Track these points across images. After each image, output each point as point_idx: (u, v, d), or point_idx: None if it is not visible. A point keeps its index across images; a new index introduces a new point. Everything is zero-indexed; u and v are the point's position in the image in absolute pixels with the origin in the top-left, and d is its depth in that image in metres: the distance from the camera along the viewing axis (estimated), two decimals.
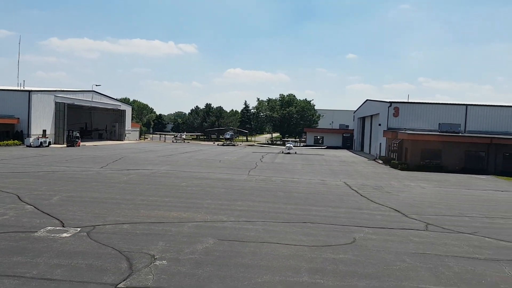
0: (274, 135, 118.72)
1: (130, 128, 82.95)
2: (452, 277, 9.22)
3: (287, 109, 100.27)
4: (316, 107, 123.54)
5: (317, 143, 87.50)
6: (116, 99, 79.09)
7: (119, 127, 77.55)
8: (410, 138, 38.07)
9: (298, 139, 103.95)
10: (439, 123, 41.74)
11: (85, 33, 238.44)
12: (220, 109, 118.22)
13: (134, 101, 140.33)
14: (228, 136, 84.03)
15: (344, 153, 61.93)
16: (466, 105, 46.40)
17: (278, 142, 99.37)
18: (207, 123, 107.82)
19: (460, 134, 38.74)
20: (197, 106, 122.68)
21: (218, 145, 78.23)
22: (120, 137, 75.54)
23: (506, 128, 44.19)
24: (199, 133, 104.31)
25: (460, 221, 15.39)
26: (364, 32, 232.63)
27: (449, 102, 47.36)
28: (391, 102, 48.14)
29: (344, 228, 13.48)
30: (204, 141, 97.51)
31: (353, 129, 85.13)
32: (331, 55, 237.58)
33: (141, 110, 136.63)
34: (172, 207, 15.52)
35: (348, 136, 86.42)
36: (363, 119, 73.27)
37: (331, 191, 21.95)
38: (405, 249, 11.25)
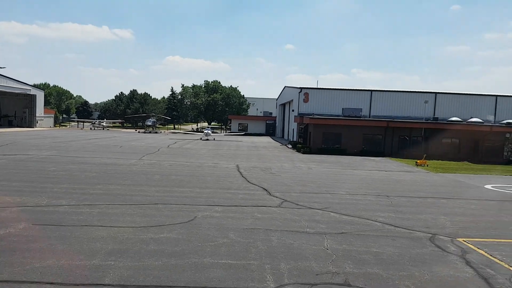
0: (205, 124, 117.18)
1: (42, 115, 77.28)
2: (262, 251, 9.00)
3: (212, 96, 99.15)
4: (247, 95, 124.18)
5: (242, 130, 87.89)
6: (27, 84, 72.93)
7: (29, 113, 71.82)
8: (313, 122, 38.92)
9: (224, 127, 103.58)
10: (342, 108, 43.15)
11: (12, 15, 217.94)
12: (145, 95, 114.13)
13: (54, 86, 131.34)
14: (149, 123, 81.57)
15: (263, 139, 62.37)
16: (371, 90, 48.44)
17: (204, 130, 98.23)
18: (130, 110, 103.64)
19: (360, 118, 40.26)
20: (121, 93, 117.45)
21: (139, 132, 75.50)
22: (31, 124, 70.01)
23: (407, 112, 46.74)
24: (122, 120, 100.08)
25: (320, 198, 15.58)
26: (301, 23, 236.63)
27: (354, 88, 49.18)
28: (301, 88, 48.95)
29: (193, 207, 12.99)
30: (127, 128, 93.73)
31: (275, 116, 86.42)
32: (270, 46, 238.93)
33: (59, 96, 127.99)
34: (15, 191, 14.10)
35: (271, 123, 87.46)
36: (283, 105, 74.29)
37: (215, 173, 21.53)
38: (239, 225, 10.97)
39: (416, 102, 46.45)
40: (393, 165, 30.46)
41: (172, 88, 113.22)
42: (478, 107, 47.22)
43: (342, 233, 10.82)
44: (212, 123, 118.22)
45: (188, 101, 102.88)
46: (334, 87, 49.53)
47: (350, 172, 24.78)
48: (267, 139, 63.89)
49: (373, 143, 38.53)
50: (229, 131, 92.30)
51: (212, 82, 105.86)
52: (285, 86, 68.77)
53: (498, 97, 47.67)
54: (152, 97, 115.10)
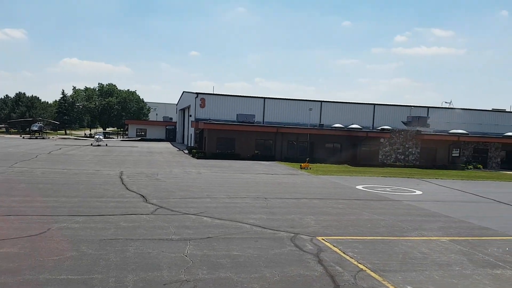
0: (101, 129, 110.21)
1: None
2: (112, 264, 8.42)
3: (107, 100, 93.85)
4: (152, 101, 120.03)
5: (141, 136, 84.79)
6: None
7: None
8: (207, 128, 38.85)
9: (122, 132, 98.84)
10: (237, 114, 43.82)
11: None
12: (32, 98, 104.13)
13: None
14: (35, 128, 75.04)
15: (160, 145, 60.66)
16: (264, 98, 49.99)
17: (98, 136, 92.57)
18: (15, 114, 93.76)
19: (253, 124, 41.23)
20: (6, 95, 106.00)
21: (23, 138, 68.58)
22: None
23: (296, 119, 49.03)
24: (6, 125, 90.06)
25: (198, 203, 15.34)
26: (206, 32, 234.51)
27: (248, 95, 50.32)
28: (197, 93, 48.64)
29: (51, 218, 11.81)
30: (12, 134, 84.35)
31: (176, 122, 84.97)
32: (175, 51, 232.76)
33: None
34: None
35: (172, 128, 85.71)
36: (182, 111, 73.28)
37: (92, 180, 20.11)
38: (96, 236, 10.16)
39: (304, 109, 48.99)
40: (280, 168, 31.61)
41: (63, 91, 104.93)
42: (359, 114, 51.40)
43: (208, 237, 10.67)
44: (108, 129, 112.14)
45: (80, 105, 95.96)
46: (230, 94, 50.10)
47: (238, 176, 25.04)
48: (165, 145, 62.36)
49: (265, 148, 39.66)
50: (126, 136, 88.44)
51: (107, 85, 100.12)
52: (183, 91, 67.85)
53: (376, 105, 52.45)
54: (44, 100, 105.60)
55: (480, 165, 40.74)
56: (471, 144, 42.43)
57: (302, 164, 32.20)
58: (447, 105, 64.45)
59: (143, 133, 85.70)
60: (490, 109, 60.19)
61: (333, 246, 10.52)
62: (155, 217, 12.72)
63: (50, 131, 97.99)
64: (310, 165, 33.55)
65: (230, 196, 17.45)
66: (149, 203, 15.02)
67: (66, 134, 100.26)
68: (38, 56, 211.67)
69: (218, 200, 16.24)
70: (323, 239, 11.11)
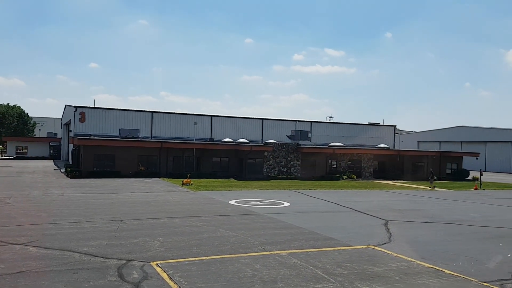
0: None
1: None
2: None
3: None
4: (47, 116, 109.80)
5: (21, 153, 76.74)
6: None
7: None
8: (83, 144, 36.19)
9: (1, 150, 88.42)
10: (119, 129, 41.68)
11: None
12: None
13: None
14: None
15: (39, 163, 55.41)
16: (152, 112, 48.46)
17: None
18: None
19: (136, 139, 39.50)
20: None
21: None
22: None
23: (186, 134, 48.31)
24: None
25: (35, 230, 13.60)
26: (106, 43, 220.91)
27: (133, 109, 48.37)
28: (76, 107, 45.34)
29: None
30: None
31: (61, 138, 78.55)
32: (72, 63, 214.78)
33: None
34: None
35: (56, 145, 78.97)
36: (66, 125, 67.97)
37: None
38: None
39: (193, 124, 48.50)
40: (160, 185, 30.45)
41: None
42: (249, 129, 52.46)
43: (19, 272, 9.29)
44: None
45: None
46: (112, 107, 47.57)
47: (106, 197, 23.35)
48: (45, 163, 57.21)
49: (149, 164, 38.12)
50: (6, 155, 79.38)
51: None
52: (66, 105, 62.94)
53: (264, 120, 54.05)
54: None
55: (353, 175, 43.90)
56: (347, 155, 45.62)
57: (184, 180, 31.42)
58: (330, 120, 69.20)
59: (24, 151, 77.86)
60: (367, 123, 65.89)
61: (163, 271, 9.88)
62: None
63: None
64: (193, 180, 32.94)
65: (81, 220, 15.96)
66: None
67: None
68: None
69: (63, 226, 14.69)
70: (157, 264, 10.43)
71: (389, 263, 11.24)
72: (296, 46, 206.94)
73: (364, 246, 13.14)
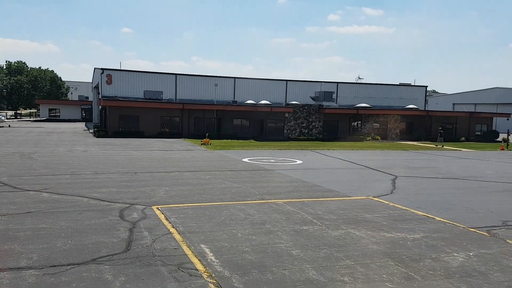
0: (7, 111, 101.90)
1: None
2: None
3: (15, 78, 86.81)
4: (67, 79, 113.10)
5: (55, 116, 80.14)
6: None
7: None
8: (108, 105, 37.36)
9: (35, 113, 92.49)
10: (144, 91, 42.58)
11: None
12: None
13: None
14: None
15: (71, 125, 57.61)
16: (176, 74, 48.97)
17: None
18: None
19: (159, 100, 40.33)
20: None
21: None
22: None
23: (209, 96, 48.69)
24: None
25: (53, 180, 14.60)
26: (138, 7, 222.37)
27: (158, 71, 48.96)
28: (103, 69, 46.41)
29: None
30: None
31: (92, 101, 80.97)
32: (105, 28, 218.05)
33: None
34: None
35: (88, 108, 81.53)
36: (96, 89, 69.90)
37: None
38: None
39: (218, 86, 48.68)
40: (180, 145, 31.31)
41: None
42: (272, 91, 52.22)
43: (28, 212, 10.18)
44: (22, 110, 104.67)
45: None
46: (138, 70, 48.33)
47: (126, 154, 24.33)
48: (76, 125, 59.47)
49: (171, 125, 39.03)
50: (39, 117, 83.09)
51: (15, 62, 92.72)
52: (95, 68, 64.42)
53: (288, 82, 53.56)
54: None
55: (378, 137, 43.34)
56: (372, 116, 44.90)
57: (203, 140, 32.12)
58: (359, 81, 67.64)
59: (57, 113, 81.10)
60: (398, 83, 64.04)
61: (162, 213, 10.52)
62: None
63: None
64: (213, 141, 33.62)
65: (98, 172, 16.89)
66: None
67: None
68: None
69: (79, 177, 15.64)
70: (157, 208, 11.08)
71: (382, 211, 11.46)
72: (331, 5, 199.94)
73: (363, 197, 13.36)
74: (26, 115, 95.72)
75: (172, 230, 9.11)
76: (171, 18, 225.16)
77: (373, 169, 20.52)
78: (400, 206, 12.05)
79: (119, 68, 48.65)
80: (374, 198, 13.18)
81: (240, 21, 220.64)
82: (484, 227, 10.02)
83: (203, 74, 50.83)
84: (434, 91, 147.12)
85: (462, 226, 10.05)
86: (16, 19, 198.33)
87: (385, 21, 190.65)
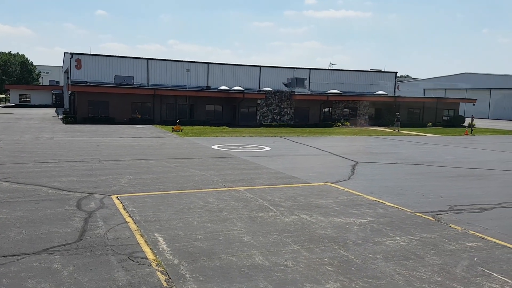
0: None
1: None
2: None
3: None
4: (40, 64, 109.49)
5: (25, 101, 78.12)
6: None
7: None
8: (77, 90, 36.70)
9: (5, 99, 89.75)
10: (114, 75, 41.91)
11: None
12: None
13: None
14: None
15: (41, 111, 56.51)
16: (147, 59, 48.24)
17: None
18: None
19: (130, 86, 39.80)
20: None
21: None
22: None
23: (182, 81, 48.25)
24: None
25: (13, 168, 14.49)
26: None
27: (129, 56, 48.18)
28: (72, 54, 45.27)
29: None
30: None
31: (63, 86, 79.13)
32: (79, 10, 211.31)
33: None
34: None
35: (59, 93, 79.72)
36: (66, 73, 68.26)
37: None
38: None
39: (191, 71, 48.31)
40: (151, 131, 31.17)
41: None
42: (245, 76, 52.20)
43: None
44: None
45: None
46: (108, 54, 47.42)
47: (94, 141, 24.12)
48: (46, 111, 58.30)
49: (143, 111, 38.70)
50: (9, 103, 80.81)
51: None
52: (64, 52, 62.75)
53: (261, 68, 53.59)
54: None
55: (347, 123, 44.15)
56: (342, 103, 45.61)
57: (174, 127, 32.06)
58: (331, 67, 68.33)
59: (27, 99, 79.05)
60: (369, 69, 64.95)
61: (120, 202, 10.65)
62: None
63: None
64: (185, 127, 33.61)
65: (61, 161, 16.78)
66: None
67: None
68: None
69: (41, 165, 15.52)
70: (117, 197, 11.20)
71: (337, 197, 11.92)
72: None
73: (322, 183, 13.80)
74: None
75: (128, 219, 9.28)
76: (148, 0, 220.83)
77: (336, 155, 21.06)
78: (354, 192, 12.55)
79: (89, 53, 47.59)
80: (332, 184, 13.64)
81: (219, 4, 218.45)
82: (431, 212, 10.59)
83: (176, 59, 50.28)
84: (408, 76, 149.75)
85: (409, 211, 10.59)
86: None
87: (362, 6, 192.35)
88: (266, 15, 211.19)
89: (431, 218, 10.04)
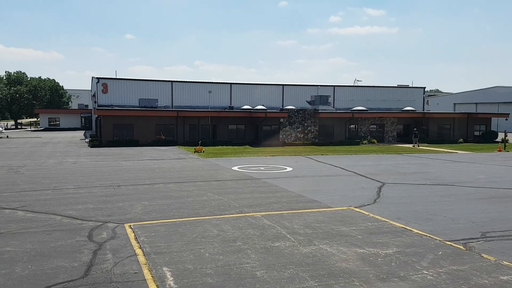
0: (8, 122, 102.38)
1: None
2: None
3: (15, 88, 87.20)
4: (71, 87, 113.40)
5: (54, 125, 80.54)
6: None
7: None
8: (103, 114, 37.33)
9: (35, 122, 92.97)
10: (139, 99, 42.53)
11: None
12: None
13: None
14: None
15: (69, 134, 57.82)
16: (171, 81, 48.97)
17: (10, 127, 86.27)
18: None
19: (153, 108, 40.22)
20: None
21: None
22: None
23: (205, 102, 48.57)
24: None
25: (31, 196, 14.47)
26: (140, 12, 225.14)
27: (153, 79, 49.02)
28: (99, 78, 46.51)
29: None
30: None
31: (91, 109, 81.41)
32: (108, 35, 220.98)
33: None
34: None
35: (87, 116, 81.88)
36: (94, 97, 70.21)
37: None
38: None
39: (214, 92, 48.57)
40: (173, 153, 31.14)
41: None
42: (269, 95, 52.07)
43: None
44: (25, 119, 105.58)
45: None
46: (133, 78, 48.37)
47: (116, 164, 24.20)
48: (75, 134, 59.65)
49: (167, 133, 38.90)
50: (39, 126, 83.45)
51: (15, 73, 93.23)
52: (92, 77, 64.62)
53: (284, 86, 53.41)
54: None
55: (374, 140, 42.99)
56: (368, 120, 44.57)
57: (196, 148, 31.95)
58: (357, 83, 67.44)
59: (57, 122, 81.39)
60: (396, 85, 63.75)
61: (132, 232, 10.31)
62: None
63: None
64: (207, 148, 33.48)
65: (80, 186, 16.73)
66: None
67: None
68: None
69: (60, 192, 15.48)
70: (130, 226, 10.87)
71: (360, 223, 11.20)
72: (332, 7, 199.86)
73: (345, 208, 13.10)
74: (27, 125, 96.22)
75: (138, 251, 8.89)
76: (174, 23, 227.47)
77: (361, 175, 20.24)
78: (379, 217, 11.79)
79: (115, 77, 48.68)
80: (355, 209, 12.92)
81: (242, 25, 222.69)
82: (461, 240, 9.73)
83: (199, 81, 50.81)
84: (437, 91, 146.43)
85: (438, 239, 9.77)
86: (18, 28, 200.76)
87: (387, 21, 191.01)
88: (289, 34, 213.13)
89: (462, 247, 9.20)
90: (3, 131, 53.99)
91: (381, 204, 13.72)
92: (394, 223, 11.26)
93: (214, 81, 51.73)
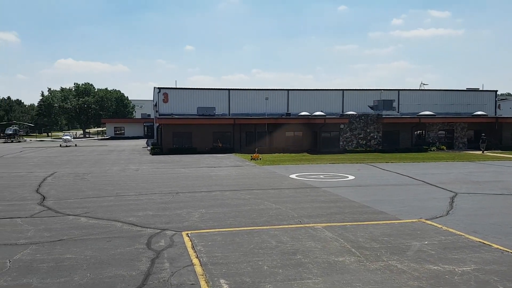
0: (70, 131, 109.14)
1: None
2: None
3: (83, 99, 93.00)
4: (135, 98, 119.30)
5: (119, 134, 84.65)
6: None
7: None
8: (163, 123, 38.37)
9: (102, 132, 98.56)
10: (197, 107, 43.28)
11: None
12: (10, 101, 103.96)
13: None
14: (10, 132, 74.76)
15: (133, 143, 60.48)
16: (228, 89, 49.44)
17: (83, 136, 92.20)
18: None
19: (211, 116, 40.67)
20: None
21: None
22: None
23: (262, 109, 48.42)
24: None
25: (95, 202, 14.86)
26: (198, 24, 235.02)
27: (211, 87, 49.79)
28: (160, 88, 48.07)
29: None
30: None
31: (153, 118, 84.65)
32: (169, 47, 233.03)
33: None
34: None
35: (150, 125, 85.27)
36: (155, 107, 72.93)
37: (10, 183, 19.66)
38: None
39: (271, 99, 48.36)
40: (230, 160, 31.15)
41: (42, 93, 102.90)
42: (328, 101, 50.88)
43: (60, 240, 10.19)
44: (91, 129, 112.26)
45: (57, 106, 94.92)
46: (191, 87, 49.48)
47: (175, 171, 24.54)
48: (138, 142, 62.27)
49: (223, 140, 39.16)
50: (106, 135, 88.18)
51: (83, 84, 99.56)
52: (154, 87, 67.19)
53: (344, 91, 51.94)
54: (32, 103, 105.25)
55: (443, 146, 40.34)
56: (436, 125, 41.97)
57: (253, 155, 31.74)
58: (423, 87, 64.18)
59: (122, 131, 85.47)
60: (465, 88, 59.84)
61: (190, 240, 10.08)
62: (28, 220, 12.25)
63: (30, 134, 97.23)
64: (264, 155, 33.17)
65: (141, 193, 16.98)
66: (42, 205, 14.54)
67: (48, 136, 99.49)
68: (32, 59, 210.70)
69: (121, 199, 15.78)
70: (187, 234, 10.67)
71: (433, 237, 10.15)
72: (395, 10, 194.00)
73: (414, 220, 12.03)
74: (94, 134, 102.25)
75: (195, 260, 8.60)
76: (231, 33, 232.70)
77: (431, 184, 18.78)
78: (454, 231, 10.64)
79: (175, 87, 50.12)
80: (427, 221, 11.81)
81: (300, 31, 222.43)
82: None
83: (256, 88, 50.86)
84: (509, 95, 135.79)
85: None
86: (87, 42, 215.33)
87: (453, 23, 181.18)
88: (349, 38, 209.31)
89: None
90: (72, 139, 57.41)
91: (454, 216, 12.47)
92: (470, 237, 10.09)
93: (270, 88, 51.55)
